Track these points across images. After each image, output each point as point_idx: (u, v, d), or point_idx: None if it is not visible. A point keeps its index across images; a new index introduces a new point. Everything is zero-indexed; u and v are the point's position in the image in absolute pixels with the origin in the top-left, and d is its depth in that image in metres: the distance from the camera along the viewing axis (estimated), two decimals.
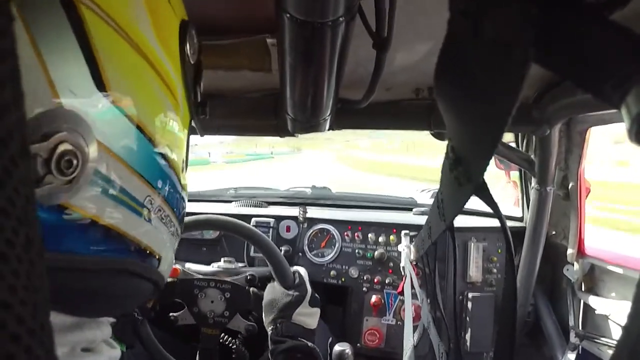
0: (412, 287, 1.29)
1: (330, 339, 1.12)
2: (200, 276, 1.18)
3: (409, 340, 1.20)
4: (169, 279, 1.14)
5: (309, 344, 0.95)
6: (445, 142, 0.44)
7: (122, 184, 0.36)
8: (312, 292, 1.03)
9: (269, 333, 0.99)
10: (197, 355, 1.15)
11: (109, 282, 0.38)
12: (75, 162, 0.31)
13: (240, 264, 1.33)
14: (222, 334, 1.17)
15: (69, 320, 0.36)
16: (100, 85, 0.33)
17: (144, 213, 0.39)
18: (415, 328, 1.30)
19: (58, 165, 0.30)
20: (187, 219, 1.06)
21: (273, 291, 1.04)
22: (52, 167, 0.30)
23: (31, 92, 0.28)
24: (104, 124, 0.34)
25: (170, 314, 1.17)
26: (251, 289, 1.16)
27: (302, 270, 1.07)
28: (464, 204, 0.42)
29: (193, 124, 0.53)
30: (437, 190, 0.56)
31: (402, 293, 1.44)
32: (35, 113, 0.28)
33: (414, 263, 1.35)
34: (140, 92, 0.38)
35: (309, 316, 1.00)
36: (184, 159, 0.49)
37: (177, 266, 1.19)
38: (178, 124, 0.45)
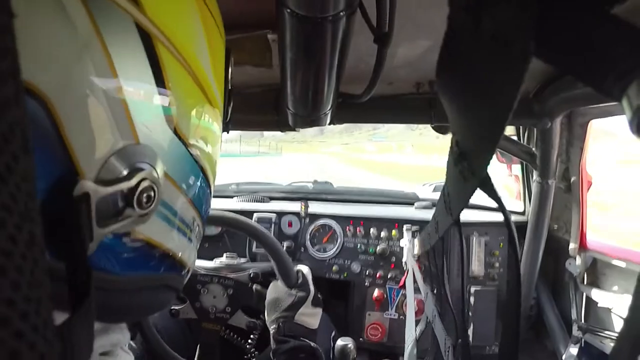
0: (415, 281, 1.29)
1: (334, 333, 1.12)
2: (204, 271, 1.18)
3: (411, 334, 1.21)
4: None
5: (312, 344, 0.96)
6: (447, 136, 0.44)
7: (179, 211, 0.38)
8: (315, 292, 1.04)
9: (271, 332, 0.99)
10: (197, 349, 1.16)
11: (149, 296, 0.40)
12: (152, 196, 0.32)
13: (243, 260, 1.33)
14: (228, 330, 1.18)
15: (97, 326, 0.36)
16: (169, 121, 0.34)
17: (188, 233, 0.41)
18: (417, 322, 1.31)
19: (139, 201, 0.31)
20: None
21: (276, 290, 1.04)
22: (133, 203, 0.30)
23: (113, 126, 0.29)
24: (170, 157, 0.35)
25: (172, 307, 1.17)
26: (254, 286, 1.17)
27: (305, 270, 1.08)
28: (469, 198, 0.42)
29: None
30: (443, 184, 0.56)
31: (403, 287, 1.44)
32: (117, 147, 0.29)
33: (416, 258, 1.35)
34: (198, 126, 0.39)
35: (311, 316, 1.01)
36: None
37: None
38: (219, 150, 0.47)
